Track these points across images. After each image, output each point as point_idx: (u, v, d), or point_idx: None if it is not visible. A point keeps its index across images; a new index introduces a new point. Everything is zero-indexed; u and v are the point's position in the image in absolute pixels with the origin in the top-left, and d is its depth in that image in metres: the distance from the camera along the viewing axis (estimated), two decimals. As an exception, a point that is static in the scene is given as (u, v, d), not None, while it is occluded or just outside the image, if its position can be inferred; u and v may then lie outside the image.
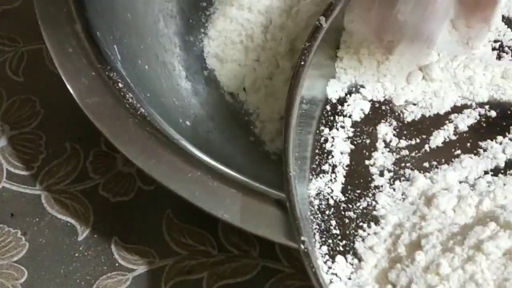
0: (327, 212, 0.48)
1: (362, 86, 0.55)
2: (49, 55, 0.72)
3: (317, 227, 0.48)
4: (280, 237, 0.49)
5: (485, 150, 0.51)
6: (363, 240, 0.47)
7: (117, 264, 0.60)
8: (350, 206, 0.49)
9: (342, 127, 0.53)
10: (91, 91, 0.56)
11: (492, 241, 0.44)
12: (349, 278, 0.46)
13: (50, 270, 0.60)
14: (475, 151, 0.51)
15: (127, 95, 0.55)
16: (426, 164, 0.51)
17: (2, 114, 0.69)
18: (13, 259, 0.61)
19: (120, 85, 0.56)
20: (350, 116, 0.54)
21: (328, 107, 0.54)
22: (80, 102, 0.55)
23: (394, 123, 0.53)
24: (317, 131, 0.52)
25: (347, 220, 0.48)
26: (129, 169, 0.65)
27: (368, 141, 0.52)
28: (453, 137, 0.52)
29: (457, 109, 0.53)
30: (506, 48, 0.56)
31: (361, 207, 0.49)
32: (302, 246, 0.45)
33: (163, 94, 0.64)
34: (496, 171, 0.50)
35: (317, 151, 0.51)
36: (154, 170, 0.52)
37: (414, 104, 0.54)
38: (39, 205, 0.64)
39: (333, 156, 0.51)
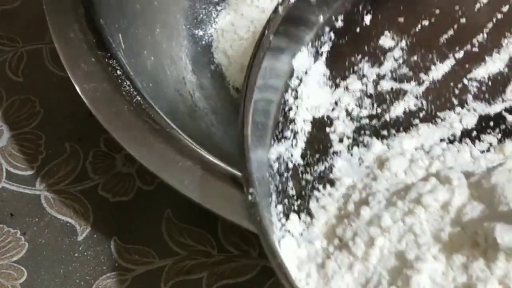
0: (285, 175, 0.49)
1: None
2: (48, 55, 0.72)
3: (275, 188, 0.48)
4: None
5: (442, 120, 0.52)
6: (317, 200, 0.48)
7: (116, 264, 0.60)
8: (308, 169, 0.49)
9: (307, 96, 0.53)
10: (89, 76, 0.56)
11: (431, 194, 0.44)
12: (301, 234, 0.46)
13: (49, 270, 0.60)
14: (433, 121, 0.52)
15: (125, 83, 0.55)
16: (385, 132, 0.51)
17: (1, 114, 0.69)
18: (12, 259, 0.61)
19: (118, 72, 0.56)
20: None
21: (294, 78, 0.54)
22: (78, 87, 0.55)
23: (358, 94, 0.53)
24: (282, 101, 0.52)
25: (304, 182, 0.49)
26: (129, 169, 0.65)
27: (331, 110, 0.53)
28: (413, 108, 0.52)
29: (420, 83, 0.53)
30: None
31: (318, 171, 0.50)
32: (250, 197, 0.45)
33: (167, 85, 0.64)
34: (452, 140, 0.51)
35: (280, 118, 0.51)
36: (146, 158, 0.52)
37: (379, 77, 0.54)
38: (38, 205, 0.64)
39: (295, 123, 0.51)
